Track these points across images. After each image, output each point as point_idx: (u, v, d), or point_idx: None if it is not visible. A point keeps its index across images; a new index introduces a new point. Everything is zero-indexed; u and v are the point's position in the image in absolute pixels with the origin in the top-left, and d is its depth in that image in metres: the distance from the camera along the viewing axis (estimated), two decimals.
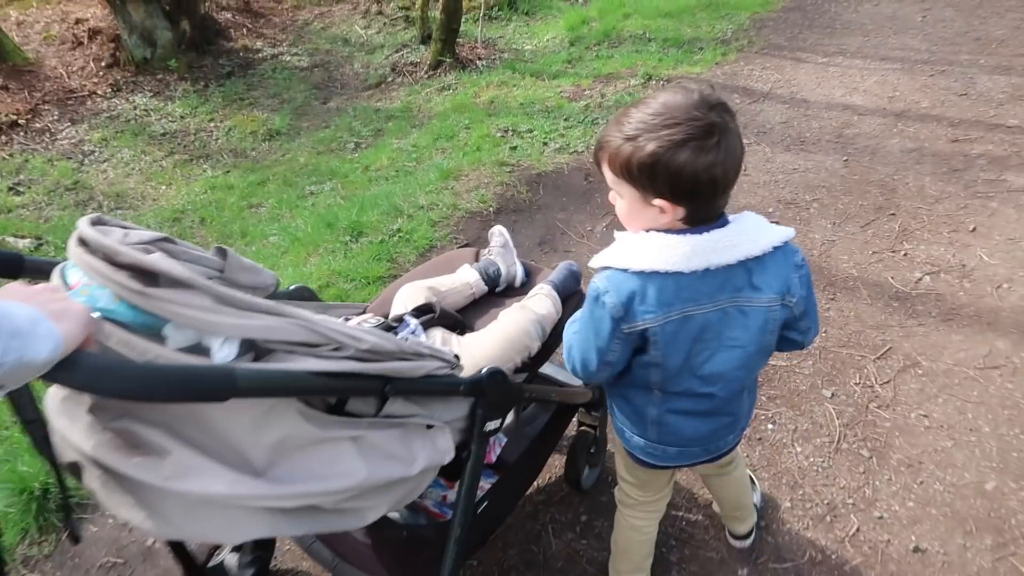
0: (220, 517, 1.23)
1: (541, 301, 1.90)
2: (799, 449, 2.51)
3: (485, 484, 1.96)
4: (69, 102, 6.82)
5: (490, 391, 1.61)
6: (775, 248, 1.33)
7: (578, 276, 2.07)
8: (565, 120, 5.11)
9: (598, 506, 2.34)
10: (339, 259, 3.59)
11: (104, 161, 6.03)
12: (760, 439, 2.55)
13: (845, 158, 4.42)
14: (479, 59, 6.95)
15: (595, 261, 1.39)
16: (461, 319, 1.95)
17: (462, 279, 2.06)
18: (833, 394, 2.73)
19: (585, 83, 5.89)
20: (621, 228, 1.41)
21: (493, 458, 1.98)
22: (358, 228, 3.80)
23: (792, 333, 1.47)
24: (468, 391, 1.56)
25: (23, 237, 4.97)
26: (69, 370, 0.93)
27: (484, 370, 1.60)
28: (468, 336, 1.85)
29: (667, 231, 1.31)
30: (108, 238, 1.32)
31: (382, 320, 1.79)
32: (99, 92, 6.98)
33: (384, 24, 8.48)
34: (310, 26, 8.57)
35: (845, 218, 3.81)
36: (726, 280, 1.32)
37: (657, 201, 1.27)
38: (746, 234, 1.31)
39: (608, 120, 1.44)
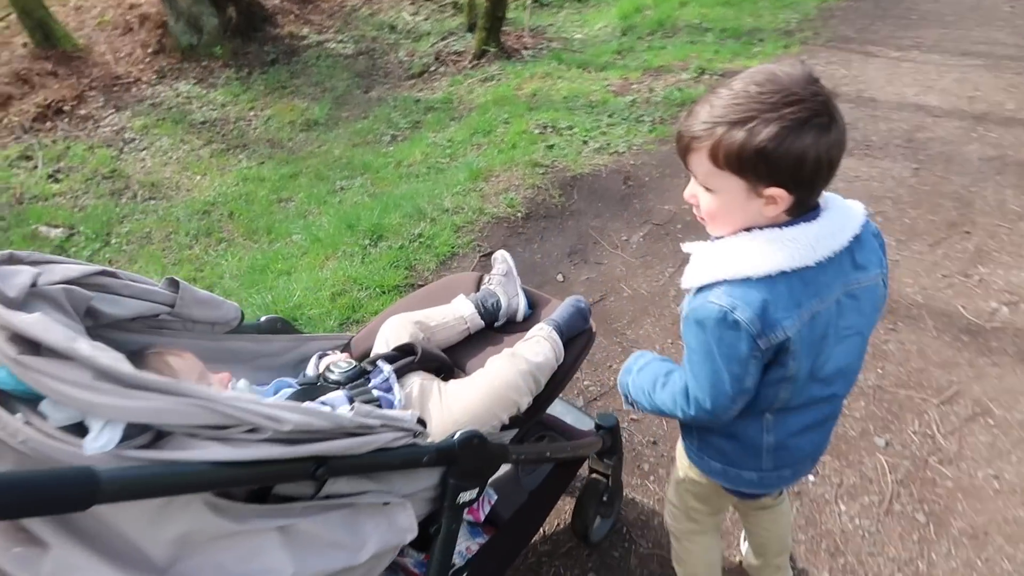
0: None
1: (538, 346, 1.65)
2: (843, 508, 2.21)
3: (472, 545, 1.74)
4: (115, 88, 6.81)
5: (463, 459, 1.38)
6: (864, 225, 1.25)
7: (586, 313, 1.81)
8: (609, 117, 4.80)
9: (609, 562, 2.08)
10: (356, 264, 3.39)
11: (143, 149, 5.99)
12: (798, 492, 2.26)
13: (915, 166, 4.01)
14: (525, 48, 6.67)
15: (694, 279, 1.21)
16: (447, 361, 1.71)
17: (456, 312, 1.82)
18: (887, 443, 2.40)
19: (634, 76, 5.56)
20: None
21: (481, 516, 1.74)
22: (379, 231, 3.60)
23: None
24: (435, 460, 1.32)
25: (56, 227, 4.94)
26: None
27: (456, 435, 1.37)
28: (452, 384, 1.62)
29: (774, 226, 1.17)
30: (4, 283, 1.13)
31: (354, 365, 1.57)
32: (144, 79, 6.96)
33: (432, 10, 8.27)
34: (358, 12, 8.40)
35: (912, 235, 3.43)
36: (839, 267, 1.20)
37: (771, 191, 1.12)
38: (843, 212, 1.22)
39: (693, 106, 1.22)
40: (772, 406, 1.30)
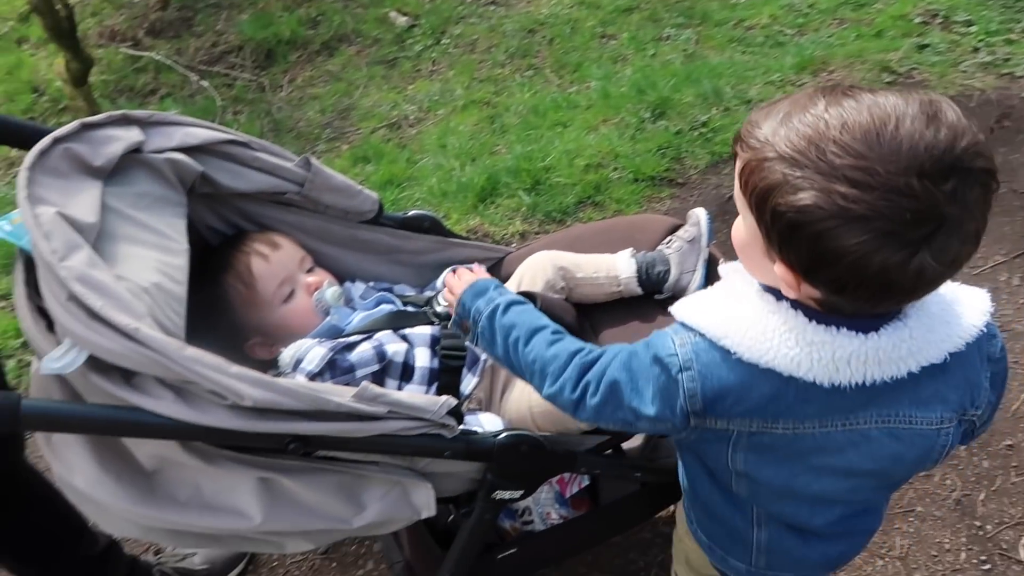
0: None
1: None
2: None
3: (555, 513, 1.60)
4: None
5: (503, 462, 1.21)
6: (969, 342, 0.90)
7: None
8: None
9: None
10: (625, 138, 3.10)
11: None
12: None
13: None
14: None
15: (679, 309, 0.99)
16: (572, 326, 1.48)
17: (611, 269, 1.54)
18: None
19: None
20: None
21: (567, 492, 1.58)
22: (664, 106, 3.21)
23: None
24: (463, 456, 1.17)
25: (405, 15, 5.21)
26: None
27: (501, 435, 1.19)
28: None
29: (807, 308, 0.88)
30: (92, 151, 1.14)
31: None
32: None
33: None
34: None
35: None
36: (878, 395, 0.90)
37: (779, 268, 0.84)
38: (929, 331, 0.88)
39: (773, 105, 0.83)
40: (739, 496, 1.07)
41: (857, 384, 0.87)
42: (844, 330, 0.86)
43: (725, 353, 0.91)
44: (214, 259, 1.40)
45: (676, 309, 0.99)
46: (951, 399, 0.93)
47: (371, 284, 1.55)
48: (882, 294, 0.80)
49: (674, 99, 3.23)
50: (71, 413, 0.92)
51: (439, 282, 1.58)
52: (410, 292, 1.57)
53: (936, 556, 1.75)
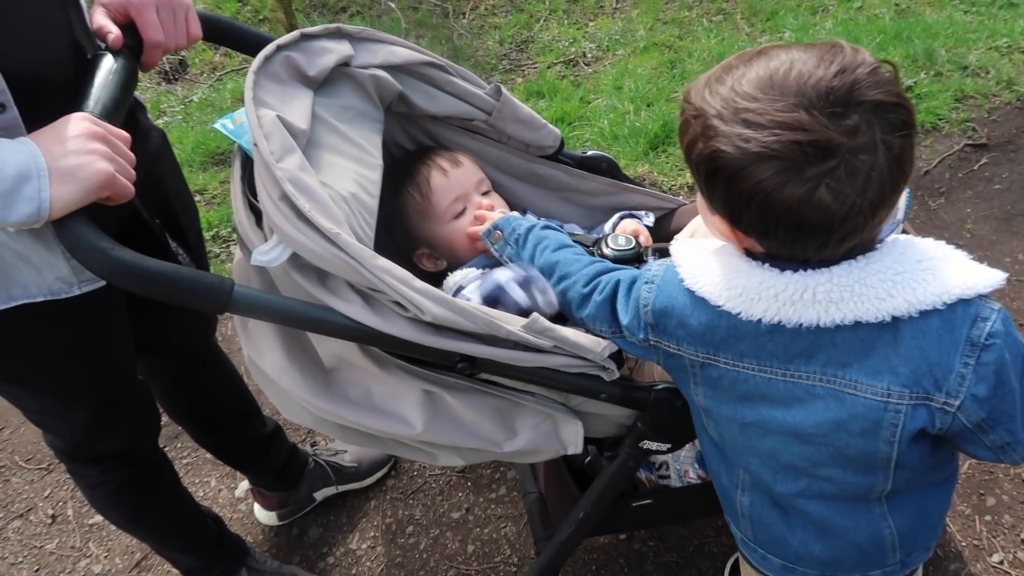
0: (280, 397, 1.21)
1: None
2: None
3: (692, 472, 1.58)
4: None
5: (656, 414, 1.21)
6: (925, 312, 0.86)
7: None
8: None
9: None
10: None
11: None
12: None
13: None
14: None
15: (675, 244, 1.09)
16: None
17: None
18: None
19: None
20: None
21: None
22: None
23: (973, 447, 0.95)
24: (618, 401, 1.18)
25: None
26: (61, 232, 0.90)
27: (657, 387, 1.19)
28: None
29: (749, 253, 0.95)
30: (308, 61, 1.19)
31: (632, 245, 1.39)
32: None
33: None
34: None
35: None
36: (816, 346, 0.92)
37: (716, 220, 0.94)
38: (862, 284, 0.87)
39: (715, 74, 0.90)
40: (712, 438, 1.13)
41: (772, 322, 0.90)
42: (767, 266, 0.91)
43: (680, 281, 1.01)
44: (399, 167, 1.45)
45: (674, 245, 1.08)
46: (901, 371, 0.88)
47: (543, 220, 1.55)
48: (800, 233, 0.85)
49: (878, 58, 2.97)
50: (272, 304, 1.00)
51: (607, 226, 1.57)
52: (579, 232, 1.57)
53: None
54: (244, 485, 1.95)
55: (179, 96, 3.99)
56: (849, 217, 0.81)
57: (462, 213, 1.44)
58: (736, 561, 1.72)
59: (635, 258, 1.40)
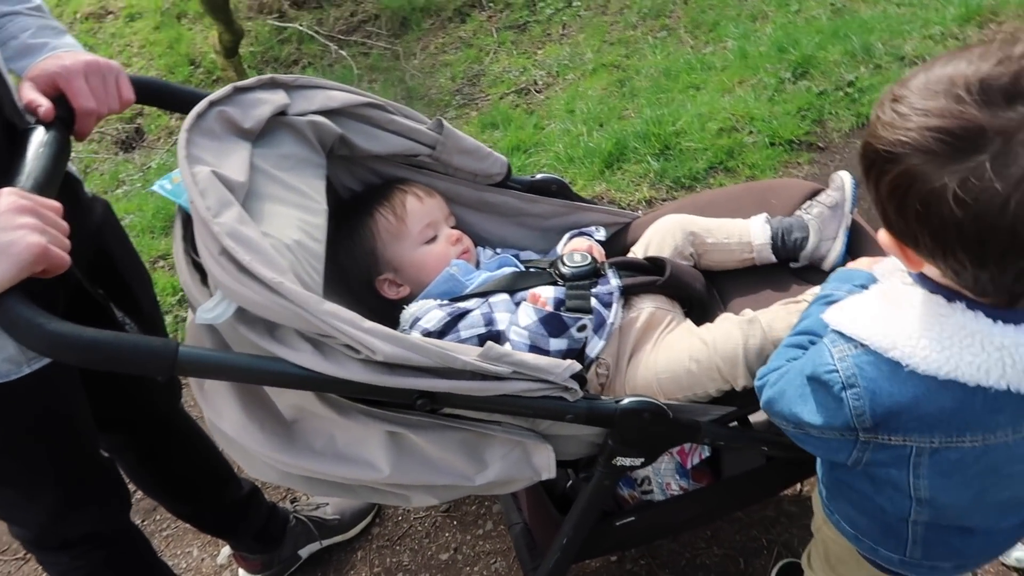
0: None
1: (793, 319, 1.27)
2: None
3: (675, 484, 1.57)
4: None
5: (625, 429, 1.20)
6: None
7: None
8: None
9: None
10: (763, 100, 2.95)
11: None
12: None
13: None
14: None
15: (834, 317, 0.92)
16: (701, 293, 1.43)
17: (744, 235, 1.48)
18: None
19: None
20: None
21: (688, 463, 1.54)
22: (807, 64, 3.02)
23: None
24: (585, 420, 1.17)
25: None
26: None
27: (624, 401, 1.18)
28: (678, 330, 1.36)
29: (980, 308, 0.81)
30: (243, 113, 1.19)
31: (588, 261, 1.40)
32: None
33: None
34: None
35: None
36: None
37: (882, 236, 0.86)
38: None
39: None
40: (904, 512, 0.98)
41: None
42: (990, 319, 0.79)
43: (895, 366, 0.83)
44: (372, 193, 1.46)
45: (831, 317, 0.92)
46: None
47: (497, 251, 1.56)
48: (975, 246, 0.74)
49: (818, 57, 3.04)
50: (220, 361, 0.98)
51: (560, 247, 1.57)
52: (535, 258, 1.57)
53: None
54: (226, 551, 1.91)
55: (137, 164, 3.99)
56: (1015, 228, 0.71)
57: (433, 239, 1.45)
58: (781, 569, 1.69)
59: (592, 273, 1.40)
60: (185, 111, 1.17)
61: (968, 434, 0.85)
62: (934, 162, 0.72)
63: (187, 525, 1.94)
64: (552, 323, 1.29)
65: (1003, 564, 1.63)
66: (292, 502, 1.98)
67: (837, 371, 0.87)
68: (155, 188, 1.17)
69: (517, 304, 1.34)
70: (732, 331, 1.27)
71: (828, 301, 1.03)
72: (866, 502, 1.05)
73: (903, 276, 0.91)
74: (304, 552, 1.87)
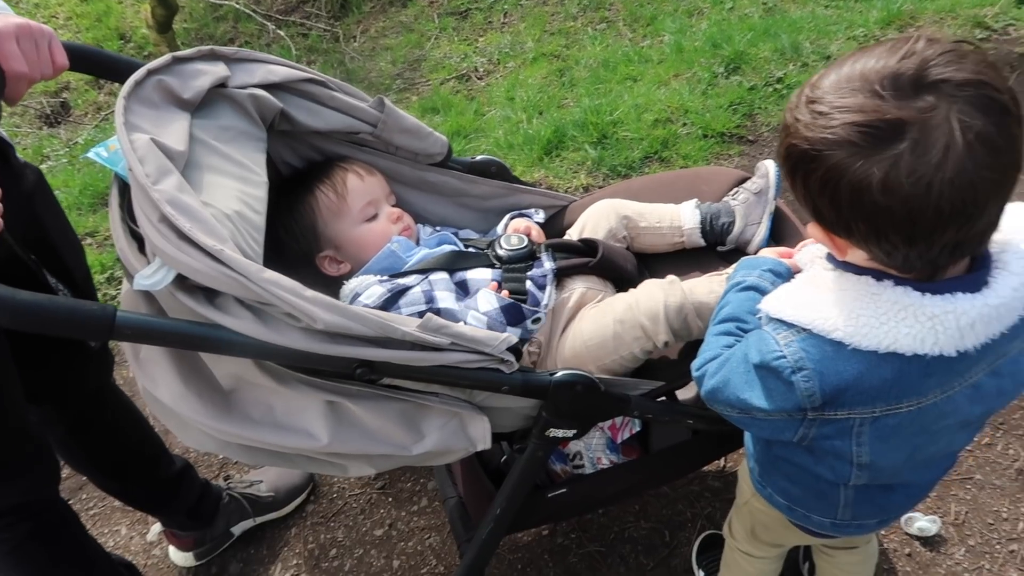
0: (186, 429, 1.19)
1: (714, 285, 1.33)
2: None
3: (605, 459, 1.63)
4: None
5: (558, 401, 1.24)
6: None
7: None
8: None
9: None
10: (696, 93, 3.04)
11: None
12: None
13: None
14: None
15: (772, 305, 0.97)
16: (632, 273, 1.49)
17: (674, 220, 1.54)
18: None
19: None
20: None
21: (618, 438, 1.61)
22: (739, 61, 3.12)
23: None
24: (520, 392, 1.21)
25: None
26: None
27: (557, 374, 1.23)
28: (607, 301, 1.41)
29: (908, 283, 0.86)
30: (182, 83, 1.19)
31: (524, 244, 1.44)
32: None
33: None
34: None
35: None
36: (994, 344, 0.89)
37: (812, 229, 0.91)
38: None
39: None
40: (840, 479, 1.06)
41: (982, 344, 0.86)
42: (960, 295, 0.85)
43: (838, 346, 0.89)
44: (313, 171, 1.46)
45: (769, 306, 0.97)
46: None
47: (437, 228, 1.58)
48: (906, 227, 0.79)
49: (749, 54, 3.15)
50: (159, 326, 0.98)
51: (500, 227, 1.61)
52: (474, 236, 1.61)
53: (992, 524, 1.72)
54: (156, 528, 1.89)
55: (63, 139, 3.84)
56: (940, 207, 0.76)
57: (374, 217, 1.46)
58: (704, 540, 1.77)
59: (528, 256, 1.44)
60: (121, 80, 1.16)
61: (905, 400, 0.91)
62: (859, 155, 0.77)
63: (115, 503, 1.91)
64: (512, 312, 1.32)
65: (906, 533, 1.75)
66: (226, 479, 1.97)
67: (785, 356, 0.92)
68: (90, 155, 1.16)
69: (457, 284, 1.37)
70: (654, 291, 1.33)
71: (742, 287, 1.10)
72: (802, 473, 1.10)
73: (823, 263, 0.96)
74: (237, 529, 1.86)
